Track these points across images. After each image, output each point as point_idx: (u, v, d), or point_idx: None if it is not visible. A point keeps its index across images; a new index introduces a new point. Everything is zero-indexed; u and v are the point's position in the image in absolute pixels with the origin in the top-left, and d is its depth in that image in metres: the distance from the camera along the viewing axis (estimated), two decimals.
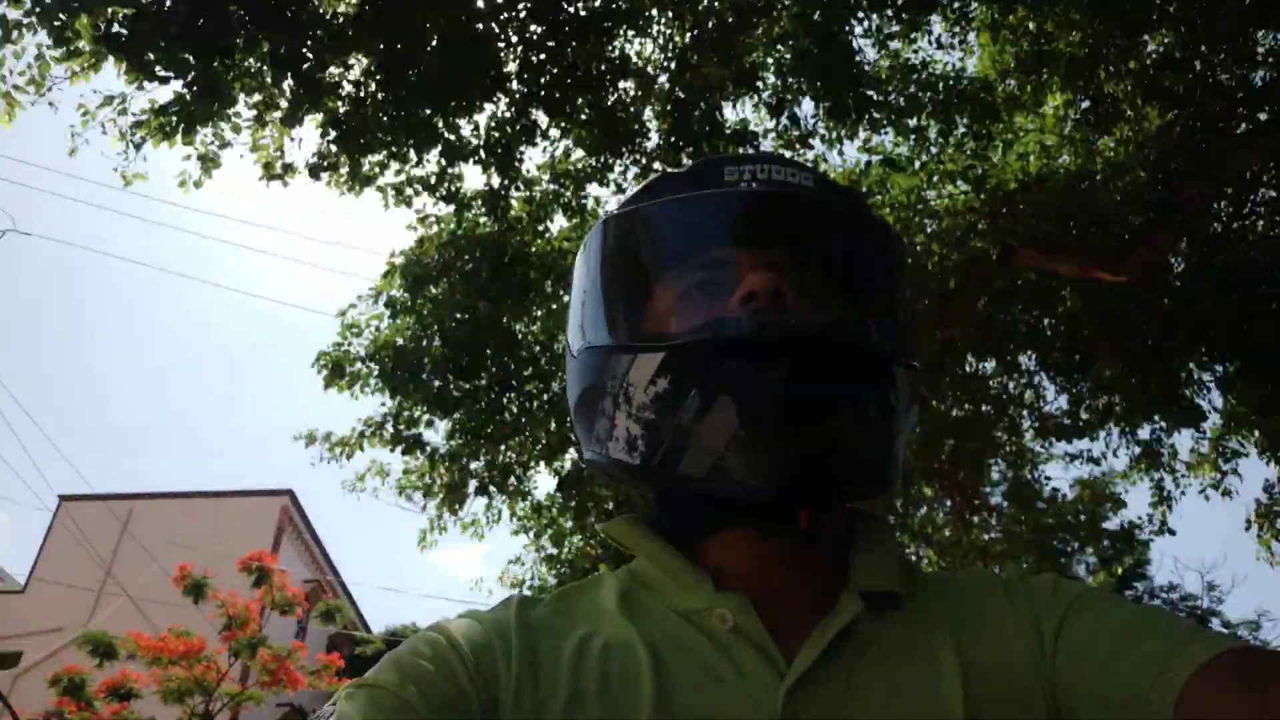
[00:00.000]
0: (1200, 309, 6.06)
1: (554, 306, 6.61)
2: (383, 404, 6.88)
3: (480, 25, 4.91)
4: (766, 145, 5.92)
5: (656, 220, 0.72)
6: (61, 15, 4.22)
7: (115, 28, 4.30)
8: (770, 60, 5.88)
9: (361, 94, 5.03)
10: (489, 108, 5.28)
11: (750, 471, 0.60)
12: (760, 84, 5.78)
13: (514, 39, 5.11)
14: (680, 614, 0.64)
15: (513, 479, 7.06)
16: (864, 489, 0.67)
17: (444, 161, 5.49)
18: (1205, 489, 7.38)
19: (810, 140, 5.85)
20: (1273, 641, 12.62)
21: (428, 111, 4.98)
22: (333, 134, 5.05)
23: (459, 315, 6.40)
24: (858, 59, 5.65)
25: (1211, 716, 0.51)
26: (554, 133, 5.68)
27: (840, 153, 7.61)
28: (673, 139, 5.44)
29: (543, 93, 5.19)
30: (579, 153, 6.06)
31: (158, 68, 4.34)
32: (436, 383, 6.49)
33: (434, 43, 4.78)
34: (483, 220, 6.35)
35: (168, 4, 4.28)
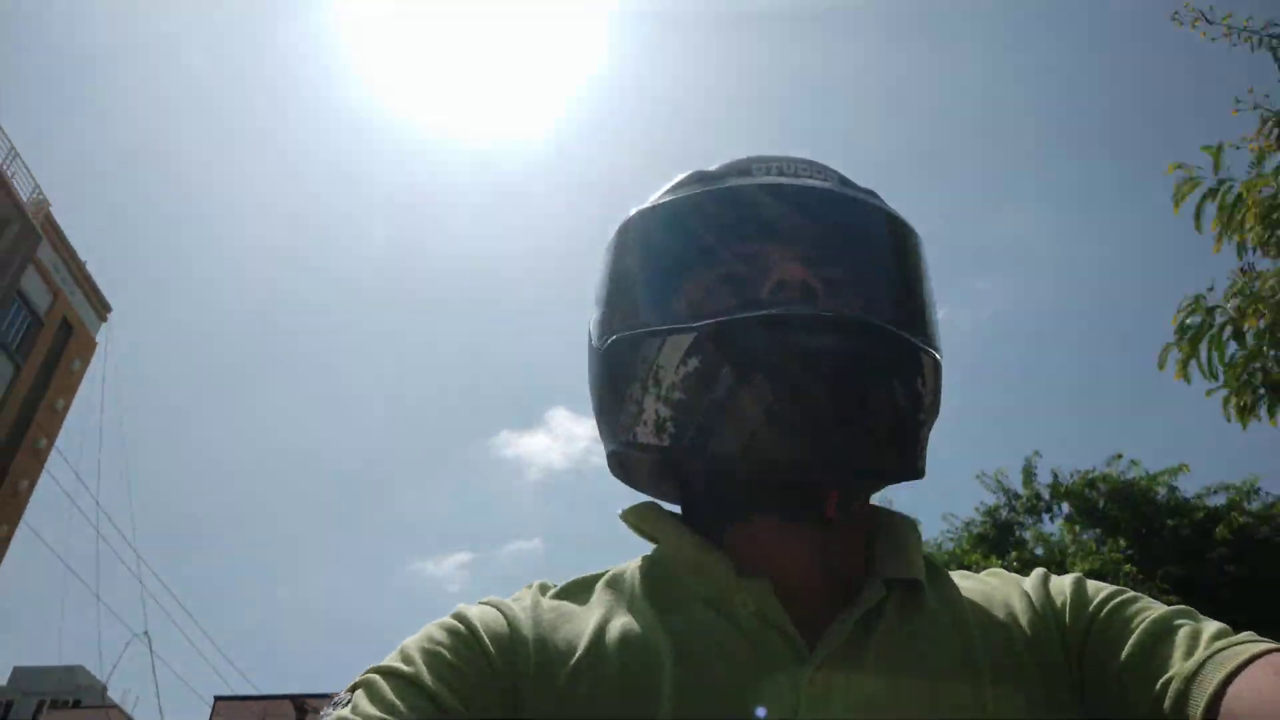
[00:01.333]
0: None
1: None
2: None
3: None
4: None
5: (687, 213, 0.72)
6: None
7: None
8: None
9: None
10: None
11: (782, 448, 0.61)
12: None
13: None
14: (702, 600, 0.64)
15: None
16: (893, 472, 0.68)
17: None
18: None
19: None
20: None
21: None
22: None
23: None
24: None
25: (1253, 716, 0.50)
26: None
27: None
28: None
29: None
30: None
31: None
32: None
33: None
34: None
35: None
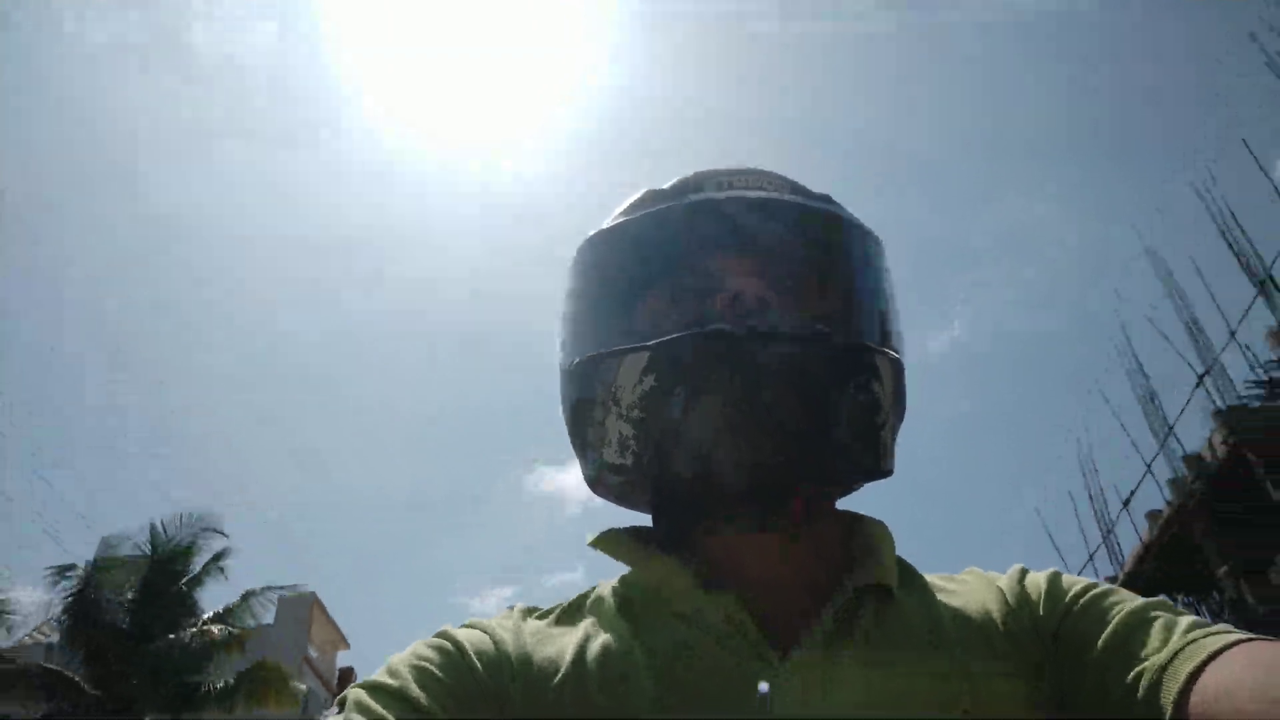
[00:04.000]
0: None
1: None
2: None
3: None
4: None
5: (641, 232, 0.73)
6: None
7: None
8: None
9: None
10: None
11: (737, 464, 0.62)
12: None
13: None
14: (675, 615, 0.64)
15: None
16: (852, 477, 0.70)
17: None
18: None
19: None
20: None
21: None
22: None
23: None
24: None
25: (1224, 706, 0.50)
26: None
27: None
28: None
29: None
30: None
31: None
32: None
33: None
34: None
35: None
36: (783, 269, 0.70)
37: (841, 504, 0.75)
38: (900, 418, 0.73)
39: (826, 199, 0.77)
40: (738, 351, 0.63)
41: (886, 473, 0.70)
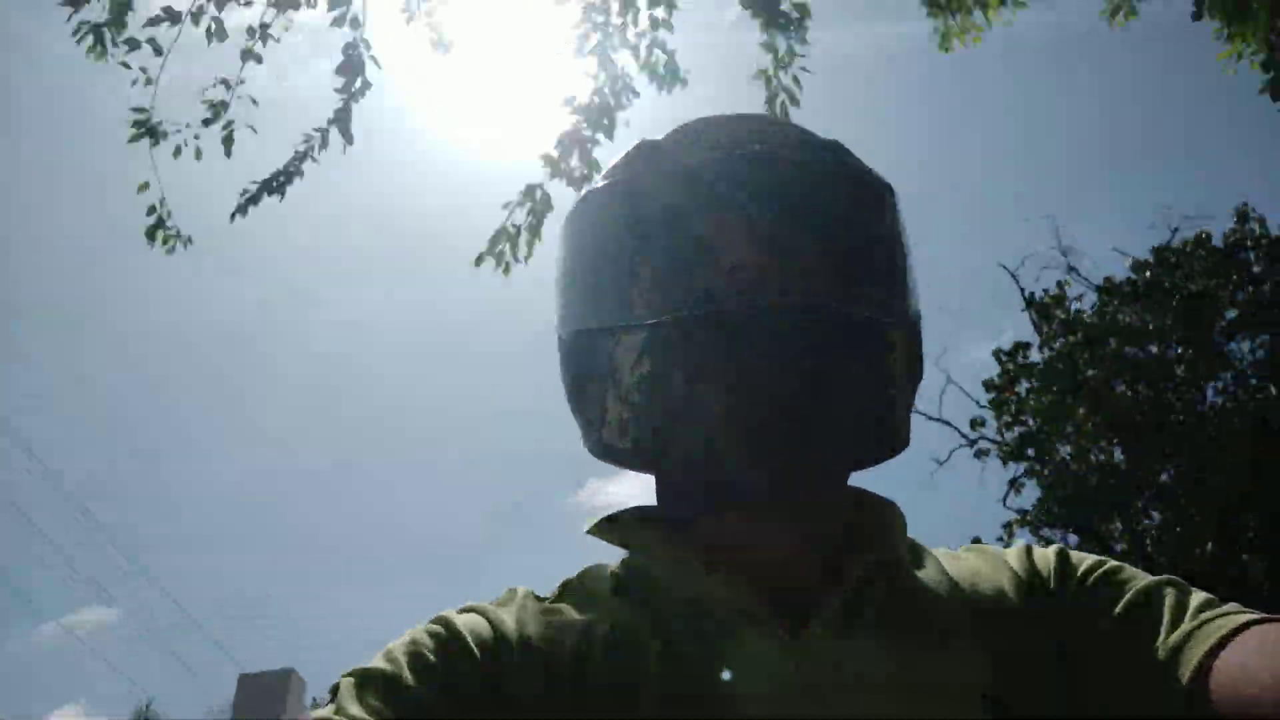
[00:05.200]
0: None
1: None
2: None
3: None
4: None
5: (637, 193, 0.68)
6: None
7: None
8: None
9: None
10: None
11: (741, 450, 0.60)
12: None
13: None
14: (679, 598, 0.63)
15: None
16: (865, 457, 0.67)
17: None
18: None
19: None
20: None
21: None
22: None
23: None
24: None
25: (1240, 689, 0.50)
26: None
27: None
28: None
29: None
30: None
31: None
32: None
33: None
34: None
35: None
36: (787, 234, 0.65)
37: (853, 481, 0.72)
38: (916, 384, 0.70)
39: (836, 147, 0.71)
40: (739, 332, 0.60)
41: (900, 448, 0.68)
